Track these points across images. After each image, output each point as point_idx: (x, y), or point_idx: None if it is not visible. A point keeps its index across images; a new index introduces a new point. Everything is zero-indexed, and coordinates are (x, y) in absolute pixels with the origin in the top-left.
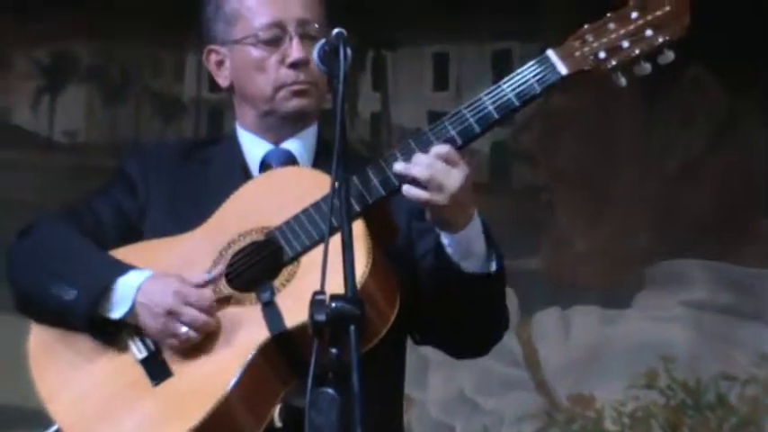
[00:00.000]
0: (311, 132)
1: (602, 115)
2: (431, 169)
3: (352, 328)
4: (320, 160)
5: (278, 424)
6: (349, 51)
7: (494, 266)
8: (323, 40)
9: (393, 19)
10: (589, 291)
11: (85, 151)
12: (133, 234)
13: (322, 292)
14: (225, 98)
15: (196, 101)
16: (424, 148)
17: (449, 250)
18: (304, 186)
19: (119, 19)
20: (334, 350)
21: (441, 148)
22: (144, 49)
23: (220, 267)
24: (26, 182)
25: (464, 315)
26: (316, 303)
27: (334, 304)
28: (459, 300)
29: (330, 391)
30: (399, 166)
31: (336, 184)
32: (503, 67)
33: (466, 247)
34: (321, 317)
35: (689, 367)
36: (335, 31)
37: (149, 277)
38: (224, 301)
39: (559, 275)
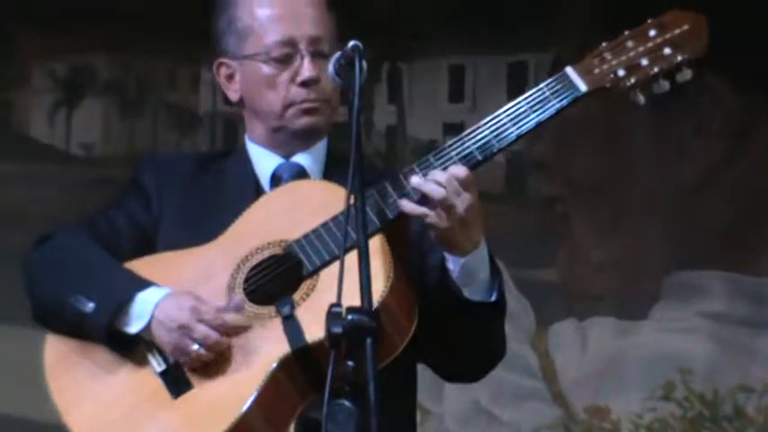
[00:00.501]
0: (321, 146)
1: (617, 125)
2: (445, 188)
3: (369, 340)
4: (330, 174)
5: None
6: (365, 64)
7: (494, 296)
8: (338, 53)
9: (409, 31)
10: (605, 302)
11: (102, 164)
12: (147, 245)
13: (338, 304)
14: (240, 111)
15: (212, 114)
16: (443, 164)
17: (452, 274)
18: (321, 199)
19: (135, 33)
20: (350, 363)
21: (458, 170)
22: (160, 63)
23: (239, 297)
24: (43, 195)
25: (460, 340)
26: (332, 316)
27: (350, 317)
28: (457, 325)
29: (347, 403)
30: (415, 181)
31: (352, 197)
32: (518, 79)
33: (469, 272)
34: (338, 329)
35: (706, 379)
36: (351, 43)
37: (168, 294)
38: (240, 315)
39: (576, 286)
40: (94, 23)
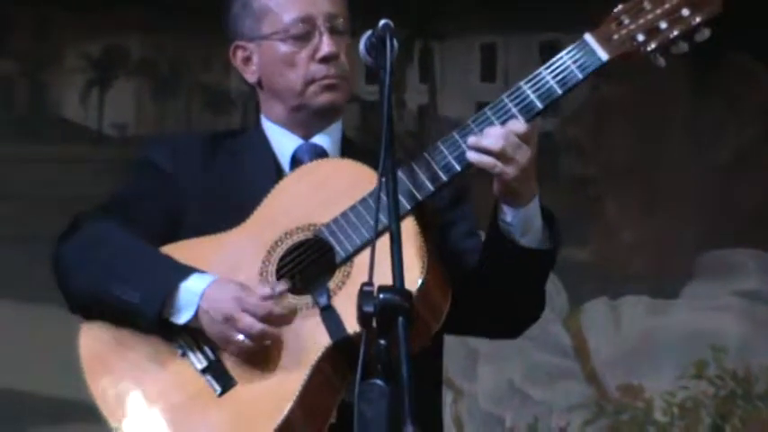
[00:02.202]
0: (337, 128)
1: (651, 105)
2: (504, 141)
3: (401, 319)
4: (346, 156)
5: (332, 420)
6: (396, 43)
7: (550, 244)
8: (369, 32)
9: (440, 10)
10: (638, 281)
11: (134, 144)
12: (173, 228)
13: (370, 283)
14: (256, 93)
15: (244, 94)
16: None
17: (510, 226)
18: (347, 180)
19: (168, 13)
20: (382, 342)
21: (517, 125)
22: (193, 43)
23: (283, 285)
24: (75, 175)
25: (511, 291)
26: (364, 295)
27: (382, 296)
28: (511, 275)
29: (379, 382)
30: (473, 140)
31: (383, 177)
32: (551, 58)
33: (527, 222)
34: (369, 308)
35: (738, 357)
36: (382, 22)
37: (212, 283)
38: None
39: (609, 266)
40: (127, 4)
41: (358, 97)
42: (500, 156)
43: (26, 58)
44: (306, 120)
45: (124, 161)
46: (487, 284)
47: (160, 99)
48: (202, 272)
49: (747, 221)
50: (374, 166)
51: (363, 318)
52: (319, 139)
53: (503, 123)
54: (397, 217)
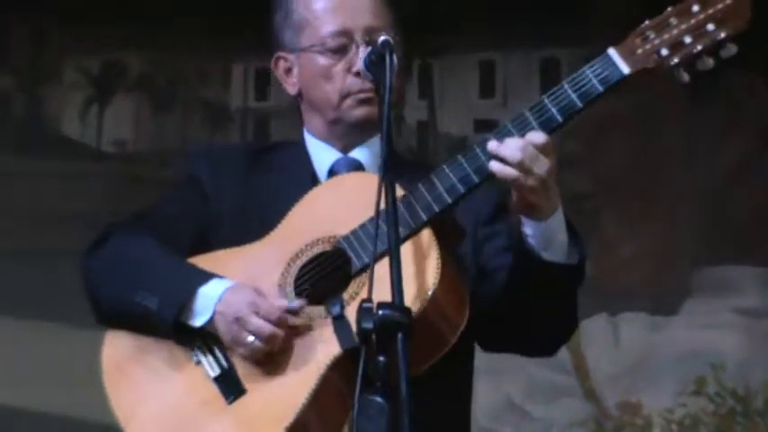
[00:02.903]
0: (377, 141)
1: (648, 119)
2: (522, 152)
3: (400, 335)
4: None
5: None
6: (395, 59)
7: (575, 258)
8: (369, 48)
9: (439, 26)
10: (637, 297)
11: (134, 160)
12: (205, 239)
13: (369, 300)
14: (271, 107)
15: (243, 110)
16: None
17: (531, 240)
18: (370, 193)
19: (167, 29)
20: (381, 358)
21: (536, 136)
22: (191, 59)
23: (301, 301)
24: (75, 191)
25: (540, 308)
26: (363, 311)
27: (381, 312)
28: (538, 291)
29: (379, 399)
30: (493, 145)
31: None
32: (550, 75)
33: (549, 236)
34: (368, 325)
35: (738, 374)
36: (381, 38)
37: (230, 287)
38: (296, 316)
39: (607, 282)
40: (126, 20)
41: None
42: (518, 166)
43: (24, 73)
44: (343, 133)
45: (124, 177)
46: (516, 301)
47: (159, 115)
48: (222, 278)
49: (746, 237)
50: (412, 178)
51: (362, 334)
52: (358, 153)
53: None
54: (396, 232)
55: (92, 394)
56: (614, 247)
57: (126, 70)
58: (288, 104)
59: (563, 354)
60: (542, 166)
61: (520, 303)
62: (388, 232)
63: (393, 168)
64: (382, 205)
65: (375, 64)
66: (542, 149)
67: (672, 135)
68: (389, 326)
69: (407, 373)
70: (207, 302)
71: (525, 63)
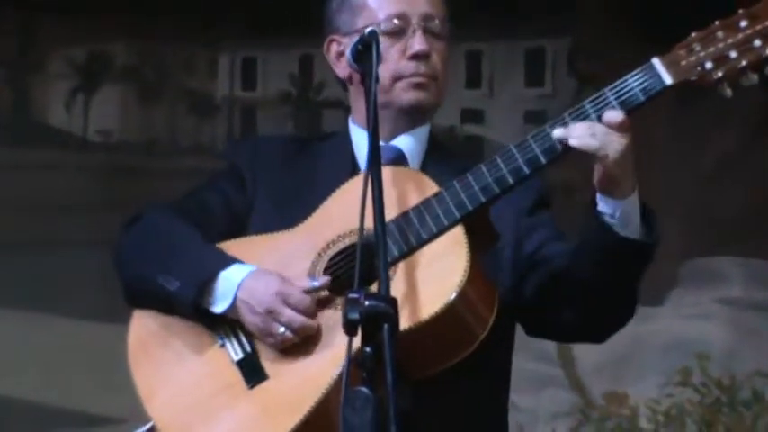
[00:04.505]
0: (424, 131)
1: (636, 113)
2: (594, 129)
3: (386, 326)
4: (430, 159)
5: None
6: (381, 50)
7: (650, 239)
8: (356, 39)
9: None
10: None
11: (120, 150)
12: (240, 226)
13: (357, 290)
14: (258, 97)
15: (229, 99)
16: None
17: (608, 219)
18: (404, 187)
19: (153, 19)
20: (368, 349)
21: (613, 114)
22: (177, 49)
23: (325, 278)
24: (61, 181)
25: (605, 288)
26: (349, 302)
27: (367, 302)
28: (609, 270)
29: (365, 390)
30: (559, 132)
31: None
32: (536, 65)
33: (627, 215)
34: (354, 315)
35: (723, 365)
36: (369, 29)
37: (251, 273)
38: (321, 305)
39: None
40: (111, 10)
41: (342, 103)
42: (596, 137)
43: (10, 63)
44: (389, 119)
45: (110, 167)
46: (579, 283)
47: (145, 105)
48: (244, 263)
49: (731, 229)
50: (458, 171)
51: (348, 325)
52: (401, 141)
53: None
54: (382, 224)
55: (83, 384)
56: None
57: (112, 60)
58: (276, 94)
59: (549, 344)
60: (619, 140)
61: (582, 285)
62: (375, 227)
63: (438, 161)
64: (368, 199)
65: (361, 54)
66: (612, 125)
67: (658, 129)
68: (376, 317)
69: (393, 364)
70: (228, 287)
71: (511, 54)
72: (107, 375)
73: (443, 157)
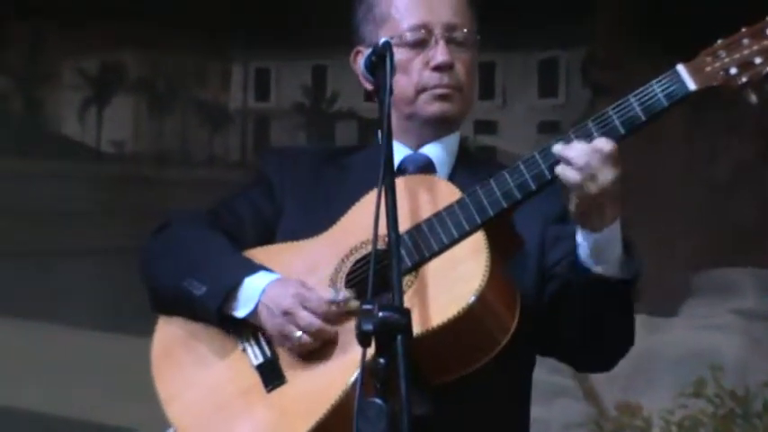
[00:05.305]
0: (453, 139)
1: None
2: (587, 157)
3: (399, 337)
4: (459, 167)
5: None
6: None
7: (626, 275)
8: (370, 50)
9: None
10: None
11: (132, 161)
12: (268, 234)
13: (371, 301)
14: (272, 107)
15: (242, 110)
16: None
17: (581, 250)
18: (430, 196)
19: (165, 30)
20: (381, 360)
21: (604, 143)
22: (190, 60)
23: (347, 293)
24: (73, 192)
25: (593, 322)
26: (363, 313)
27: (381, 314)
28: (589, 305)
29: (378, 401)
30: (558, 147)
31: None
32: (549, 76)
33: (600, 248)
34: (368, 326)
35: (737, 376)
36: (382, 40)
37: (275, 280)
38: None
39: None
40: (124, 21)
41: (355, 114)
42: (583, 169)
43: (23, 74)
44: (416, 129)
45: (122, 178)
46: (566, 312)
47: (157, 116)
48: (270, 270)
49: (745, 239)
50: (487, 179)
51: (362, 336)
52: (429, 149)
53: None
54: (396, 232)
55: (87, 393)
56: None
57: (125, 71)
58: (289, 105)
59: None
60: (607, 174)
61: (569, 315)
62: (388, 233)
63: (467, 169)
64: (382, 207)
65: (375, 65)
66: (609, 158)
67: (672, 138)
68: (389, 328)
69: (408, 375)
70: (252, 293)
71: (525, 65)
72: (111, 384)
73: (473, 165)
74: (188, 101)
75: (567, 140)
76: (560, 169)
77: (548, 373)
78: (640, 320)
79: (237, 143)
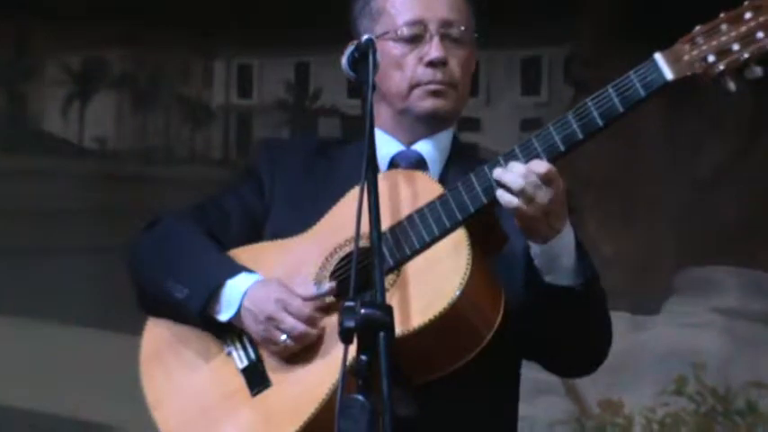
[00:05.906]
0: (445, 136)
1: (629, 119)
2: (524, 180)
3: (382, 334)
4: (451, 165)
5: None
6: (378, 58)
7: (578, 281)
8: (353, 46)
9: None
10: (618, 297)
11: (115, 158)
12: (257, 230)
13: (353, 298)
14: (254, 104)
15: (225, 107)
16: (528, 156)
17: (535, 260)
18: (411, 191)
19: (148, 26)
20: (363, 357)
21: (538, 165)
22: (173, 57)
23: (330, 284)
24: (56, 188)
25: (554, 329)
26: (345, 310)
27: (363, 311)
28: (547, 313)
29: (361, 398)
30: (497, 172)
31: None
32: (532, 74)
33: (550, 258)
34: (350, 323)
35: (719, 374)
36: (365, 37)
37: (257, 282)
38: (326, 311)
39: None
40: (107, 17)
41: (338, 110)
42: (520, 194)
43: (5, 69)
44: (409, 125)
45: (105, 174)
46: (535, 321)
47: (140, 112)
48: (251, 271)
49: (727, 238)
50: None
51: (344, 333)
52: (421, 146)
53: (562, 140)
54: (378, 230)
55: (73, 390)
56: (596, 247)
57: (107, 67)
58: (272, 102)
59: None
60: (544, 195)
61: (537, 323)
62: (371, 233)
63: (460, 166)
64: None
65: (358, 62)
66: (545, 178)
67: (653, 135)
68: (372, 324)
69: (389, 372)
70: (233, 296)
71: (508, 63)
72: (99, 382)
73: (465, 162)
74: (171, 97)
75: (544, 134)
76: (500, 193)
77: (531, 370)
78: (623, 318)
79: (220, 140)
